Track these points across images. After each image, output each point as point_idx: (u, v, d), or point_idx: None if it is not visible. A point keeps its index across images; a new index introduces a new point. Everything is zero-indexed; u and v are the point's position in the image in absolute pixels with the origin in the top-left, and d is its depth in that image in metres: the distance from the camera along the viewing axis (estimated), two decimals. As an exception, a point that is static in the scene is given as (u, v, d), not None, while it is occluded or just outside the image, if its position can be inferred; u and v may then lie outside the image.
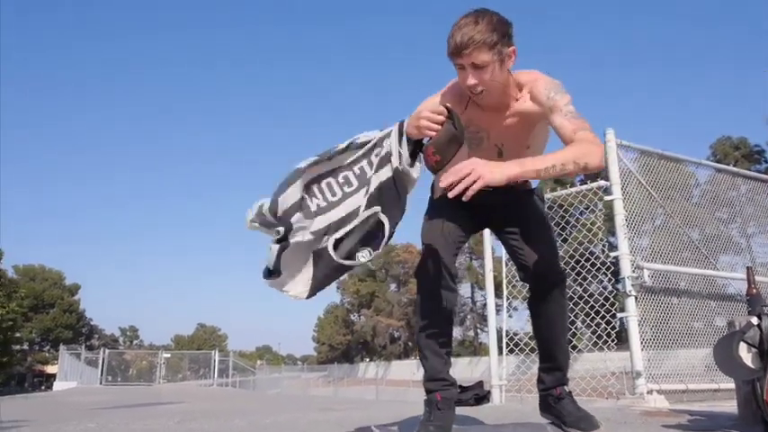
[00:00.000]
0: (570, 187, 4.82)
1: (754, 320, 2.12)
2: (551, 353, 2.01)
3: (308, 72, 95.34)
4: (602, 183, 4.38)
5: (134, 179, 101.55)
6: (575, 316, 4.72)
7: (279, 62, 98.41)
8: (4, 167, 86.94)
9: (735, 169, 5.61)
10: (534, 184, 2.15)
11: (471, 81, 1.74)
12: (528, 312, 2.07)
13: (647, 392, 3.82)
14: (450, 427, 1.81)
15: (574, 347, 4.90)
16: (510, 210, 2.02)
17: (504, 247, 2.15)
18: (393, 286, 56.69)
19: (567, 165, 1.64)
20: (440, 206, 2.08)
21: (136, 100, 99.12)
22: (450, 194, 1.60)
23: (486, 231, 5.01)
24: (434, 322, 1.91)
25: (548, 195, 4.81)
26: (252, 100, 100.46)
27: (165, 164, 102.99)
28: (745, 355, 2.09)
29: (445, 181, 1.58)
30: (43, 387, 38.27)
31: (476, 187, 1.55)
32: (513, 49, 1.75)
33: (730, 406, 2.98)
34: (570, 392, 2.04)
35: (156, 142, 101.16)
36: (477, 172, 1.56)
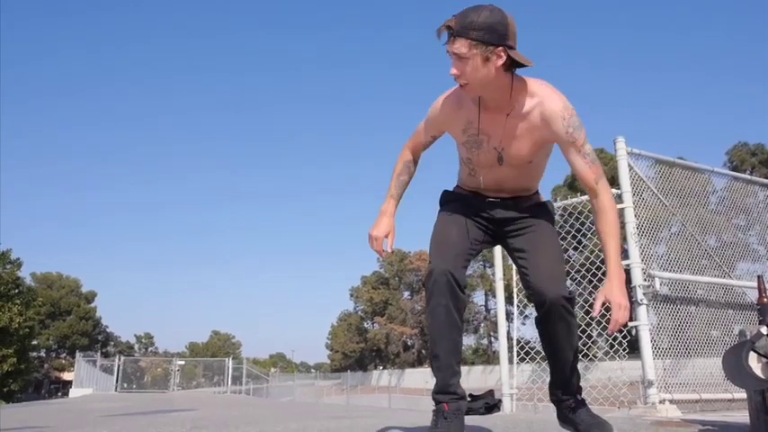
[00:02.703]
0: (582, 195, 4.81)
1: (765, 330, 2.11)
2: (560, 369, 2.01)
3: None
4: (613, 191, 4.36)
5: (150, 187, 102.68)
6: (586, 325, 4.70)
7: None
8: (22, 176, 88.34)
9: (750, 177, 5.56)
10: (546, 197, 2.16)
11: (452, 71, 1.79)
12: None
13: (660, 402, 3.79)
14: (456, 436, 1.81)
15: (586, 356, 4.87)
16: (520, 225, 2.03)
17: (514, 265, 2.17)
18: (406, 294, 56.61)
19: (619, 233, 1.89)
20: (449, 217, 2.09)
21: (153, 107, 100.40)
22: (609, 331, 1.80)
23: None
24: (444, 333, 1.91)
25: (561, 203, 4.80)
26: (267, 105, 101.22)
27: (181, 172, 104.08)
28: (755, 364, 2.08)
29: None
30: (60, 394, 38.69)
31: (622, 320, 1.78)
32: (503, 49, 1.73)
33: (743, 416, 2.95)
34: (584, 401, 2.03)
35: (172, 151, 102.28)
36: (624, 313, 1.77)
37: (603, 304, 1.79)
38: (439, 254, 1.97)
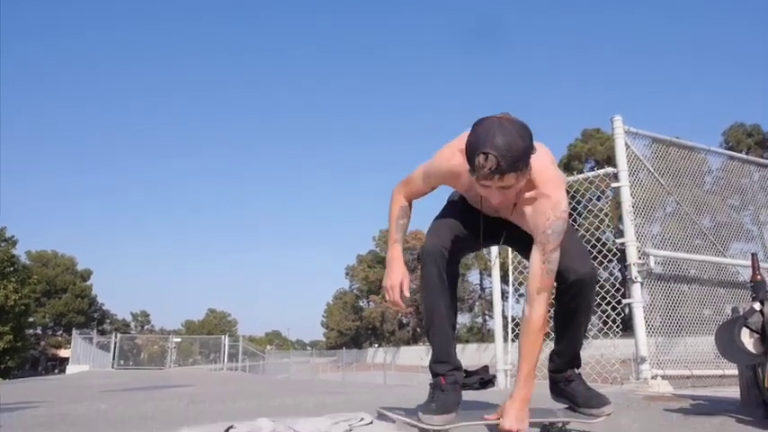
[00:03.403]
0: (579, 174, 4.81)
1: (757, 306, 2.13)
2: (570, 342, 2.02)
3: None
4: (610, 170, 4.37)
5: (145, 164, 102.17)
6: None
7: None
8: (16, 154, 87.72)
9: (746, 157, 5.58)
10: None
11: (496, 200, 1.76)
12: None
13: (652, 378, 3.84)
14: (454, 408, 1.84)
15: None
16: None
17: (522, 256, 2.15)
18: (402, 273, 56.78)
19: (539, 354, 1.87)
20: (455, 208, 2.11)
21: (146, 85, 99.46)
22: None
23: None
24: (438, 302, 1.94)
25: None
26: (258, 91, 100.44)
27: (175, 150, 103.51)
28: (748, 340, 2.11)
29: None
30: (56, 371, 38.91)
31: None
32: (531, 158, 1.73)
33: (734, 391, 3.00)
34: (580, 374, 2.06)
35: (166, 128, 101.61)
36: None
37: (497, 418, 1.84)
38: (435, 232, 2.00)
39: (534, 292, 1.82)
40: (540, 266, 1.81)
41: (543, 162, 1.84)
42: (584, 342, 2.10)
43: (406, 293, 2.03)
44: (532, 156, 1.74)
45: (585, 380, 2.09)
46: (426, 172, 2.05)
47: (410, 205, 2.15)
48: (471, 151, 1.67)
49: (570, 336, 2.01)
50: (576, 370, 2.05)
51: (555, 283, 1.93)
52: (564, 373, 2.04)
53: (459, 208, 2.08)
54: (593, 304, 2.03)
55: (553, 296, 1.97)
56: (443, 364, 1.92)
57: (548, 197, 1.82)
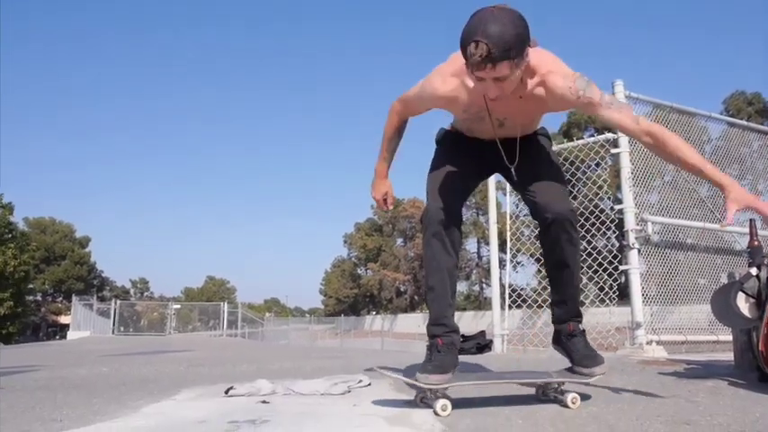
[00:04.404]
0: (578, 140, 4.78)
1: (754, 271, 2.14)
2: (562, 286, 2.03)
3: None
4: (609, 135, 4.34)
5: (144, 130, 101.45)
6: (581, 272, 4.76)
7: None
8: (13, 120, 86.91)
9: (746, 123, 5.53)
10: (539, 125, 2.14)
11: (493, 93, 1.73)
12: (532, 268, 2.10)
13: (647, 343, 3.89)
14: (450, 369, 1.86)
15: (581, 303, 4.96)
16: (519, 150, 2.03)
17: (512, 187, 2.18)
18: (399, 241, 57.03)
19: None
20: (447, 154, 2.10)
21: (146, 48, 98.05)
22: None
23: (491, 185, 5.03)
24: (440, 264, 1.94)
25: (557, 148, 4.77)
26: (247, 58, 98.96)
27: (174, 115, 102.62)
28: (743, 304, 2.13)
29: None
30: (57, 337, 39.29)
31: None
32: (528, 52, 1.70)
33: (727, 357, 3.05)
34: (584, 332, 2.07)
35: (165, 93, 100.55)
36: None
37: (739, 211, 1.79)
38: (436, 193, 1.99)
39: (634, 126, 1.84)
40: (611, 113, 1.82)
41: (542, 52, 1.84)
42: (580, 288, 2.12)
43: (390, 205, 2.28)
44: (531, 49, 1.73)
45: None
46: (420, 96, 2.03)
47: (405, 125, 2.18)
48: (463, 41, 1.66)
49: (563, 283, 2.03)
50: (579, 325, 2.06)
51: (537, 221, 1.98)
52: (566, 325, 2.05)
53: (451, 151, 2.10)
54: (578, 247, 2.02)
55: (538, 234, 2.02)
56: (440, 327, 1.94)
57: (554, 79, 1.81)
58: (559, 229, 1.91)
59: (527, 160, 2.03)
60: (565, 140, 5.19)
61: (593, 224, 4.58)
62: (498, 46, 1.61)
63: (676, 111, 4.66)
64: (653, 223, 4.07)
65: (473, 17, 1.67)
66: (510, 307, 4.83)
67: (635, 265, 4.02)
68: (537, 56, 1.81)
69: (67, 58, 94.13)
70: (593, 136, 4.58)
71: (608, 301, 4.53)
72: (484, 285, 50.87)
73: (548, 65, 1.83)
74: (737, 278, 2.19)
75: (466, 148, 2.10)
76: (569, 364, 2.04)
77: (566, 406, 1.83)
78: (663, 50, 78.68)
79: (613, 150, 4.27)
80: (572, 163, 4.74)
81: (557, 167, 2.10)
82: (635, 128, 1.85)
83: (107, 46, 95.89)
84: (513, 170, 2.03)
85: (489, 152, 2.06)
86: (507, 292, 4.82)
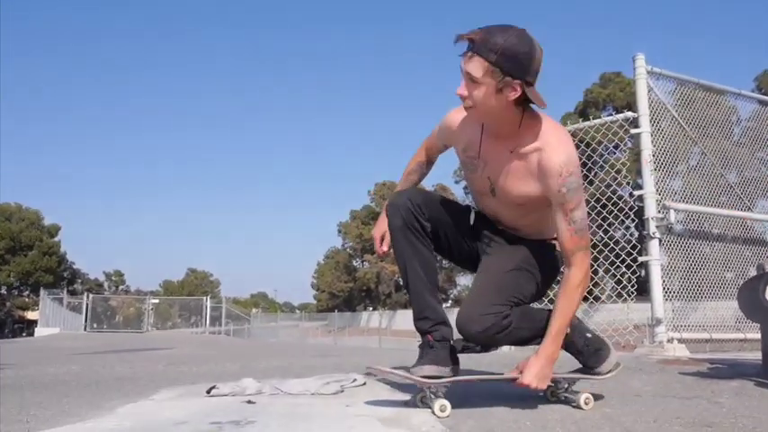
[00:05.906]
0: (595, 119, 4.77)
1: (785, 262, 2.15)
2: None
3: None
4: (629, 114, 4.33)
5: (117, 112, 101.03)
6: (597, 264, 4.77)
7: None
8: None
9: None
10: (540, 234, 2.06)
11: (460, 91, 1.77)
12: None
13: (668, 341, 3.91)
14: (447, 364, 1.87)
15: (597, 299, 4.98)
16: (497, 243, 2.05)
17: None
18: (399, 231, 57.08)
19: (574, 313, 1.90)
20: (462, 206, 2.15)
21: (121, 24, 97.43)
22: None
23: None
24: (409, 258, 1.97)
25: (572, 127, 4.76)
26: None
27: (151, 97, 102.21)
28: (772, 298, 2.14)
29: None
30: (24, 334, 39.39)
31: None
32: (520, 83, 1.69)
33: (755, 356, 3.07)
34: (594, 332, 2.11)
35: (145, 72, 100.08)
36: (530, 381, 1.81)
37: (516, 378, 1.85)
38: (402, 191, 2.08)
39: (569, 254, 1.84)
40: (567, 229, 1.82)
41: (558, 126, 1.88)
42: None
43: (386, 247, 2.16)
44: (547, 117, 1.77)
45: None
46: (440, 126, 2.13)
47: (430, 163, 2.25)
48: None
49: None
50: (588, 335, 2.08)
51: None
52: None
53: (466, 209, 2.13)
54: (524, 325, 1.91)
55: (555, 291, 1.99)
56: (426, 320, 1.95)
57: (554, 154, 1.79)
58: (481, 342, 1.92)
59: (497, 248, 2.03)
60: (580, 120, 5.19)
61: (611, 212, 4.59)
62: (483, 41, 1.68)
63: (702, 88, 4.65)
64: (676, 211, 4.07)
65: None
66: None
67: (656, 256, 4.03)
68: (550, 125, 1.83)
69: (28, 35, 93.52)
70: (612, 116, 4.56)
71: (626, 296, 4.55)
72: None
73: (555, 139, 1.82)
74: (767, 270, 2.20)
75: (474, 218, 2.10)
76: (579, 365, 2.06)
77: (578, 407, 1.85)
78: (689, 21, 78.36)
79: (633, 131, 4.26)
80: (588, 145, 4.73)
81: (525, 275, 1.95)
82: (568, 254, 1.83)
83: (70, 20, 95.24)
84: (481, 245, 2.05)
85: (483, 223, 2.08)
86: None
